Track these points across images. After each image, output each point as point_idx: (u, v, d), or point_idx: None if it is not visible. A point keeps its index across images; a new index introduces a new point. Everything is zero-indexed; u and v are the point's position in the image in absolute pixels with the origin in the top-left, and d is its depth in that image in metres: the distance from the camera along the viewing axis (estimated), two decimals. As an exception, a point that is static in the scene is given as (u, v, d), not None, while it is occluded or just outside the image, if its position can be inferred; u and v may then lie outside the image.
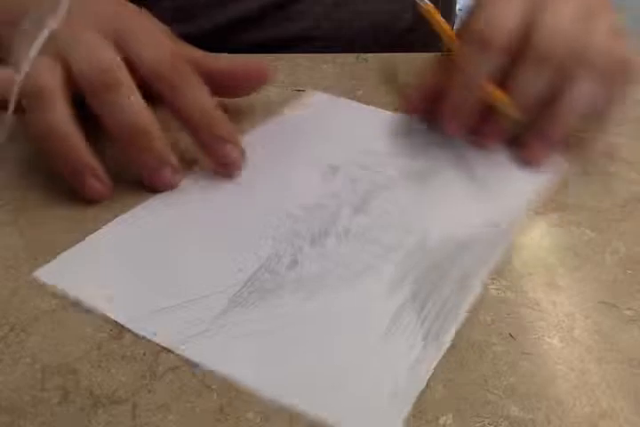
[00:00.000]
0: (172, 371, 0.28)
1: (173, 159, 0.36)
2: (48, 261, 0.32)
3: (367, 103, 0.44)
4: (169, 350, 0.29)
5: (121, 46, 0.36)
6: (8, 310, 0.30)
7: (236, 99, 0.44)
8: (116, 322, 0.30)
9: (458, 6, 0.70)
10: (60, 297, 0.31)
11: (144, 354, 0.28)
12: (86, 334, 0.29)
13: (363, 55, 0.50)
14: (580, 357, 0.29)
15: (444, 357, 0.28)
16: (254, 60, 0.41)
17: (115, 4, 0.39)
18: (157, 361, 0.28)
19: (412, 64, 0.49)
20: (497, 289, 0.32)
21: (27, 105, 0.34)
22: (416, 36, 0.60)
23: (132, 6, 0.40)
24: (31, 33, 0.36)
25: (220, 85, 0.39)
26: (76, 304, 0.30)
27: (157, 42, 0.37)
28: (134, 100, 0.34)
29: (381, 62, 0.49)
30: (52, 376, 0.28)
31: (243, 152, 0.37)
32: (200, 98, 0.36)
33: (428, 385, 0.27)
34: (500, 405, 0.27)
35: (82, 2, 0.37)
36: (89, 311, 0.30)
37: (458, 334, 0.29)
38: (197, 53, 0.40)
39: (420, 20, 0.60)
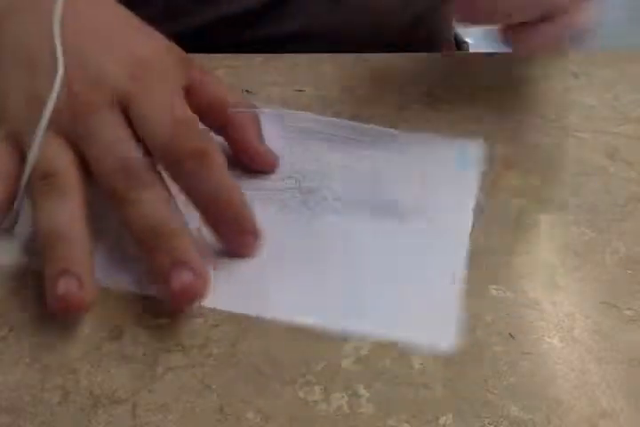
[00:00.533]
0: (171, 371, 0.28)
1: (197, 261, 0.30)
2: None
3: (367, 103, 0.44)
4: (168, 350, 0.29)
5: (128, 115, 0.32)
6: (8, 310, 0.30)
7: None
8: (115, 322, 0.30)
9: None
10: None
11: (144, 354, 0.29)
12: (86, 334, 0.29)
13: (363, 55, 0.50)
14: (580, 357, 0.29)
15: (444, 356, 0.28)
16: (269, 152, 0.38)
17: (126, 46, 0.34)
18: (157, 361, 0.28)
19: (412, 64, 0.49)
20: (497, 289, 0.32)
21: (33, 189, 0.31)
22: (416, 35, 0.60)
23: (142, 33, 0.36)
24: (29, 99, 0.32)
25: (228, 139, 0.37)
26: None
27: (164, 106, 0.32)
28: (162, 202, 0.31)
29: (381, 62, 0.49)
30: (52, 376, 0.28)
31: (260, 238, 0.33)
32: (219, 184, 0.31)
33: (427, 385, 0.27)
34: (500, 405, 0.27)
35: (82, 51, 0.33)
36: (89, 311, 0.30)
37: (458, 333, 0.30)
38: (217, 93, 0.36)
39: (421, 18, 0.60)
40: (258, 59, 0.48)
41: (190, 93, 0.34)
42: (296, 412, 0.26)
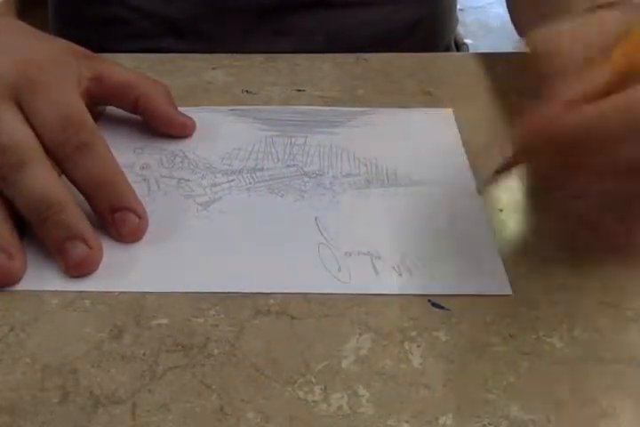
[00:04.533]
0: (171, 371, 0.28)
1: (89, 234, 0.32)
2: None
3: (367, 103, 0.44)
4: (168, 350, 0.29)
5: (22, 108, 0.34)
6: (8, 309, 0.30)
7: (235, 99, 0.45)
8: (115, 322, 0.30)
9: (458, 6, 0.70)
10: (60, 297, 0.31)
11: (144, 354, 0.29)
12: (86, 334, 0.29)
13: (363, 55, 0.50)
14: (580, 357, 0.29)
15: (444, 356, 0.28)
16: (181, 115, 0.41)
17: (20, 51, 0.37)
18: (157, 361, 0.28)
19: (413, 64, 0.49)
20: (497, 289, 0.32)
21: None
22: (416, 35, 0.60)
23: (35, 37, 0.39)
24: None
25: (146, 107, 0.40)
26: (76, 304, 0.31)
27: (55, 102, 0.34)
28: (42, 176, 0.32)
29: (381, 62, 0.49)
30: (52, 376, 0.28)
31: (145, 219, 0.34)
32: (95, 167, 0.34)
33: (427, 385, 0.27)
34: (500, 405, 0.27)
35: None
36: (89, 311, 0.30)
37: (458, 333, 0.30)
38: (123, 76, 0.40)
39: (421, 20, 0.60)
40: (258, 59, 0.48)
41: (99, 81, 0.39)
42: (296, 412, 0.26)
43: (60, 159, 0.34)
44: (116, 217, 0.33)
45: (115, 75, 0.40)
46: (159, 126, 0.41)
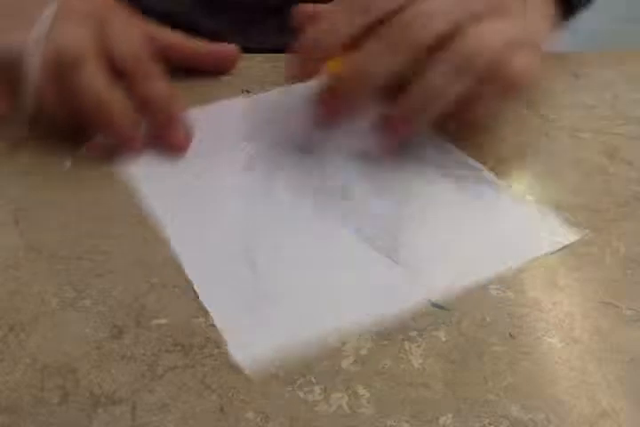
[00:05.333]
0: (171, 371, 0.28)
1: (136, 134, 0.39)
2: (48, 261, 0.32)
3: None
4: (168, 350, 0.29)
5: (100, 37, 0.38)
6: (8, 309, 0.30)
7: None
8: (115, 322, 0.30)
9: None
10: (60, 297, 0.31)
11: (144, 354, 0.29)
12: (86, 334, 0.29)
13: (363, 55, 0.50)
14: (580, 357, 0.29)
15: (444, 356, 0.28)
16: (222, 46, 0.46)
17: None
18: (157, 361, 0.28)
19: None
20: (497, 289, 0.32)
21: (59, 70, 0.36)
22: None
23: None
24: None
25: (193, 64, 0.45)
26: (76, 304, 0.31)
27: (129, 36, 0.40)
28: (95, 79, 0.37)
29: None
30: (52, 376, 0.28)
31: (191, 134, 0.41)
32: (156, 88, 0.40)
33: (427, 385, 0.27)
34: (500, 405, 0.27)
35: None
36: (89, 311, 0.30)
37: (458, 333, 0.30)
38: (172, 38, 0.44)
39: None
40: (258, 59, 0.48)
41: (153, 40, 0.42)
42: (296, 412, 0.27)
43: (124, 75, 0.38)
44: (165, 130, 0.39)
45: (164, 37, 0.44)
46: (213, 58, 0.46)
